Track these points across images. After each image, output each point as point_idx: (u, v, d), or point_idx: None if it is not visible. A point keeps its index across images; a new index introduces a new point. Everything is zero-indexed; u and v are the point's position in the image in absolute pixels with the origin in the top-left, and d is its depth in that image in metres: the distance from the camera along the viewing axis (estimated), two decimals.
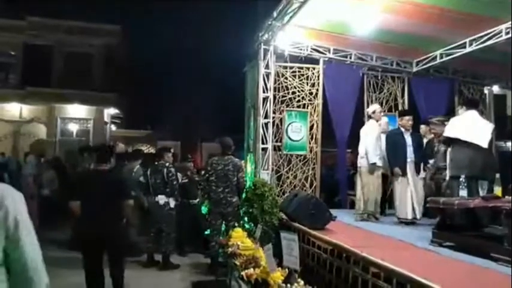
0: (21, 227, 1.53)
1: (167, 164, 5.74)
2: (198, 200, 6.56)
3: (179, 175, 6.83)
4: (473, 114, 4.96)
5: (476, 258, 3.72)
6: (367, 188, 5.89)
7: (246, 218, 5.54)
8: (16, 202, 1.55)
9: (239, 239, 4.56)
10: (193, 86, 19.12)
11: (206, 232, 5.94)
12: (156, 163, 5.93)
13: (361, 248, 3.78)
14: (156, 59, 20.07)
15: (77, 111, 17.40)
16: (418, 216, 5.64)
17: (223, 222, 5.27)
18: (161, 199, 5.63)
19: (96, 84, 17.50)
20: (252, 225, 5.11)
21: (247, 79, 7.98)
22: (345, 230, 5.21)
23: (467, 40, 6.76)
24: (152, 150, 18.03)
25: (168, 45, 19.47)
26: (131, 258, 6.01)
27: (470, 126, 4.80)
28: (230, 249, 4.26)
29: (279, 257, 3.47)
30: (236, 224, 4.92)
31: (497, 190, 4.29)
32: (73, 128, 17.32)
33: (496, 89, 9.15)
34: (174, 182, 5.70)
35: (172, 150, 6.16)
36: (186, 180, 6.82)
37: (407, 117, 6.06)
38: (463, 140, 4.67)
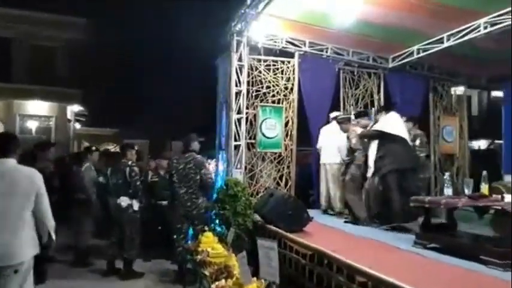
0: (43, 190, 2.85)
1: (130, 163, 5.20)
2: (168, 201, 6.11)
3: (149, 173, 6.33)
4: (395, 114, 5.47)
5: (464, 261, 3.48)
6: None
7: (217, 221, 5.10)
8: (40, 177, 2.87)
9: (209, 244, 4.14)
10: (163, 82, 18.25)
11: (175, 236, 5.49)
12: (119, 162, 5.39)
13: (342, 252, 3.47)
14: (123, 54, 19.11)
15: (38, 108, 16.45)
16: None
17: (190, 226, 4.83)
18: (123, 201, 5.09)
19: (60, 79, 16.56)
20: (224, 228, 4.67)
21: (219, 72, 7.54)
22: (323, 232, 4.89)
23: (444, 35, 6.60)
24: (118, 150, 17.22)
25: (136, 39, 18.55)
26: (88, 268, 5.51)
27: (400, 125, 5.30)
28: (199, 257, 3.83)
29: (254, 265, 3.08)
30: (206, 228, 4.47)
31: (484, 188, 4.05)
32: (33, 125, 16.31)
33: (461, 89, 9.03)
34: (138, 182, 5.18)
35: (136, 148, 5.60)
36: (157, 179, 6.30)
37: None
38: (400, 136, 5.10)
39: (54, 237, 2.89)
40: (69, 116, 17.67)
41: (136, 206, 5.14)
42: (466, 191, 4.00)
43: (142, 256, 5.89)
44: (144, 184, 5.80)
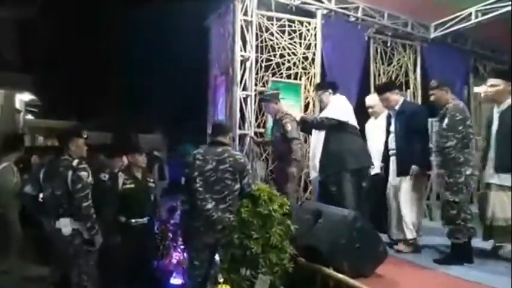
0: None
1: (75, 163, 3.01)
2: (148, 217, 3.95)
3: (121, 177, 4.06)
4: (342, 97, 4.29)
5: None
6: None
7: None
8: None
9: None
10: (134, 59, 15.20)
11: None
12: (58, 160, 3.18)
13: None
14: (85, 33, 16.35)
15: None
16: (409, 236, 3.67)
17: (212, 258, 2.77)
18: (65, 225, 2.95)
19: (6, 63, 13.97)
20: (248, 272, 2.63)
21: (212, 36, 5.52)
22: (408, 275, 2.99)
23: None
24: None
25: (100, 13, 15.65)
26: None
27: (352, 112, 4.19)
28: None
29: None
30: (220, 277, 2.44)
31: None
32: None
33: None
34: (86, 201, 2.96)
35: (85, 136, 3.35)
36: (132, 186, 4.03)
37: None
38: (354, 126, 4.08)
39: None
40: (18, 106, 15.09)
41: (86, 232, 3.00)
42: None
43: None
44: (114, 195, 3.65)
